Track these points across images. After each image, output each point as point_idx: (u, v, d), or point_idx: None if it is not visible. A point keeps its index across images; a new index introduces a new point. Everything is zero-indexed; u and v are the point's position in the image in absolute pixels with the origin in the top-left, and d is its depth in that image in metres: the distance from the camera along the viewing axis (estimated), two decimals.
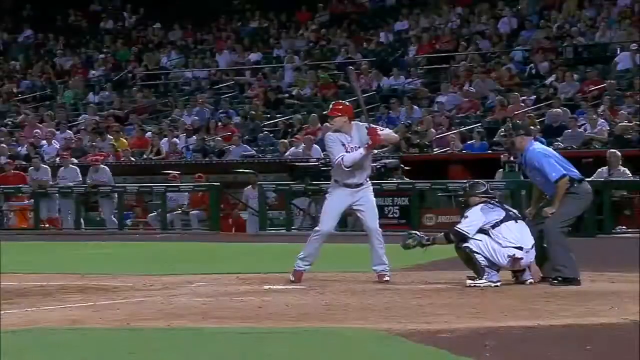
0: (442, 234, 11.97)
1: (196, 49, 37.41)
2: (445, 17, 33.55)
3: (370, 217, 12.27)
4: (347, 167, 12.03)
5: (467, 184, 12.15)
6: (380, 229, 12.30)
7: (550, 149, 11.98)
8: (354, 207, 12.33)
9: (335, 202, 12.30)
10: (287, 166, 25.36)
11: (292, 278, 12.17)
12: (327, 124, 27.51)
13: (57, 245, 21.05)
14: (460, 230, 11.62)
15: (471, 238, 11.53)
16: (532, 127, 12.40)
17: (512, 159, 12.43)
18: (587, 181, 12.26)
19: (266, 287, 11.80)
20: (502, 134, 12.50)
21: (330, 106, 12.62)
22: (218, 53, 36.01)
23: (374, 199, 12.37)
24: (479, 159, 24.22)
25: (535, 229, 11.69)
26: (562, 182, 11.64)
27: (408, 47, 32.85)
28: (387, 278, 12.18)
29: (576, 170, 11.96)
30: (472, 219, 11.63)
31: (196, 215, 25.30)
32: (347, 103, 12.73)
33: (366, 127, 12.26)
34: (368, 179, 12.39)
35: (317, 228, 12.43)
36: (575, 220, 12.01)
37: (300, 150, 26.63)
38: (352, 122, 12.25)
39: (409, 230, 12.65)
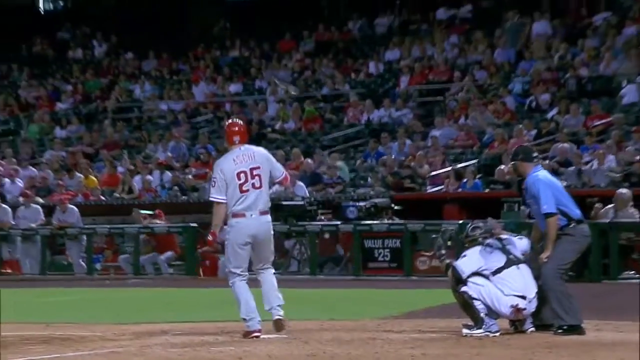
0: (448, 261, 11.89)
1: (172, 80, 37.44)
2: (439, 46, 33.69)
3: None
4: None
5: (470, 226, 12.04)
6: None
7: (556, 181, 11.96)
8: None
9: None
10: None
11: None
12: (309, 159, 27.79)
13: (18, 291, 20.87)
14: (457, 267, 11.58)
15: (472, 282, 11.50)
16: (535, 154, 12.35)
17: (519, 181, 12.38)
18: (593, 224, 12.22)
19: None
20: (510, 158, 12.58)
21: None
22: (195, 84, 36.06)
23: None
24: (476, 198, 24.26)
25: (533, 274, 11.65)
26: (551, 221, 11.56)
27: (399, 78, 32.96)
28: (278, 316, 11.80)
29: (577, 210, 11.92)
30: (470, 259, 11.59)
31: (165, 258, 25.11)
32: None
33: None
34: None
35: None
36: (573, 264, 11.92)
37: (283, 189, 26.62)
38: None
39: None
